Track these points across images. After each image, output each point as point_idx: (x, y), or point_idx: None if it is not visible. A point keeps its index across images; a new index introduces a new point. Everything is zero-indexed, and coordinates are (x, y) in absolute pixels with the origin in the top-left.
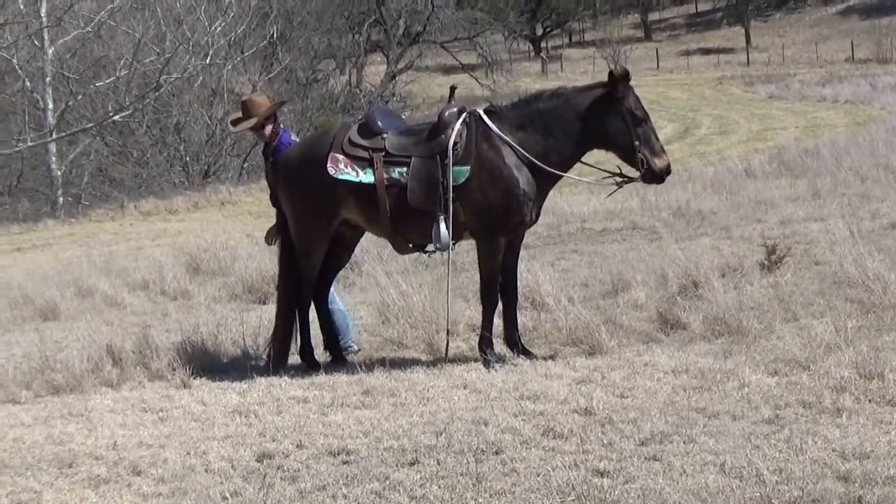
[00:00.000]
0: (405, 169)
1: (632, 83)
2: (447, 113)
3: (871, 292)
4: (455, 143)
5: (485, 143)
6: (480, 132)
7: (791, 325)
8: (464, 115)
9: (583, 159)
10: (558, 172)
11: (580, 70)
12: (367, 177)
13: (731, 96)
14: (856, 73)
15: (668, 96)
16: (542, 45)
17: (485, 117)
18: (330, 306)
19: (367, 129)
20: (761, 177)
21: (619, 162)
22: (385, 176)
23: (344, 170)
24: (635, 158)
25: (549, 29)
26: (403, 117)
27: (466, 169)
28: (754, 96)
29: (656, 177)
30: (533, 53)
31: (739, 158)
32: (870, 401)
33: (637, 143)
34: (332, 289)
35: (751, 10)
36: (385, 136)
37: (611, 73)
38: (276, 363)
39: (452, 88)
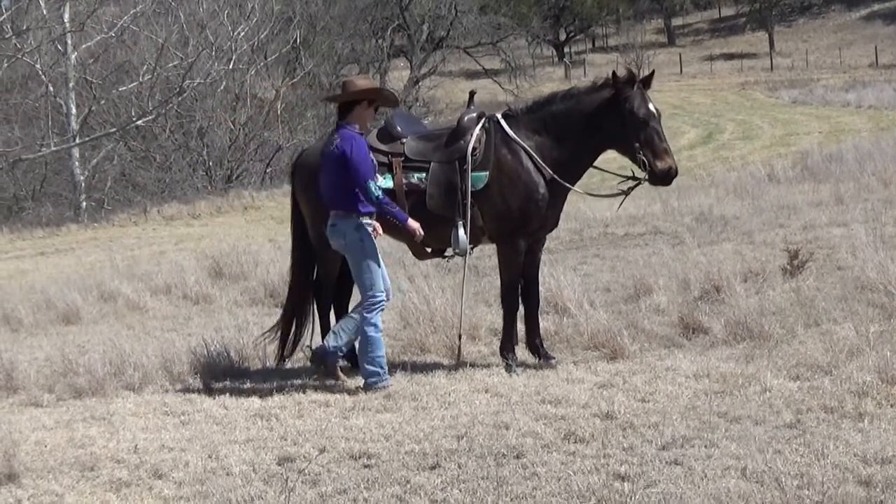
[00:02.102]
0: (424, 174)
1: (637, 87)
2: (466, 118)
3: (894, 297)
4: (474, 149)
5: (504, 149)
6: (499, 137)
7: (813, 329)
8: (483, 120)
9: (604, 166)
10: (569, 186)
11: (603, 75)
12: (386, 182)
13: (755, 101)
14: (879, 79)
15: (691, 101)
16: (566, 50)
17: (503, 122)
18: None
19: (387, 134)
20: (784, 182)
21: (634, 165)
22: (404, 181)
23: None
24: (637, 160)
25: (572, 34)
26: (425, 122)
27: (485, 175)
28: (778, 101)
29: (659, 179)
30: (556, 58)
31: (762, 163)
32: (892, 405)
33: (637, 144)
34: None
35: (774, 15)
36: (404, 140)
37: (613, 74)
38: (277, 362)
39: (471, 93)
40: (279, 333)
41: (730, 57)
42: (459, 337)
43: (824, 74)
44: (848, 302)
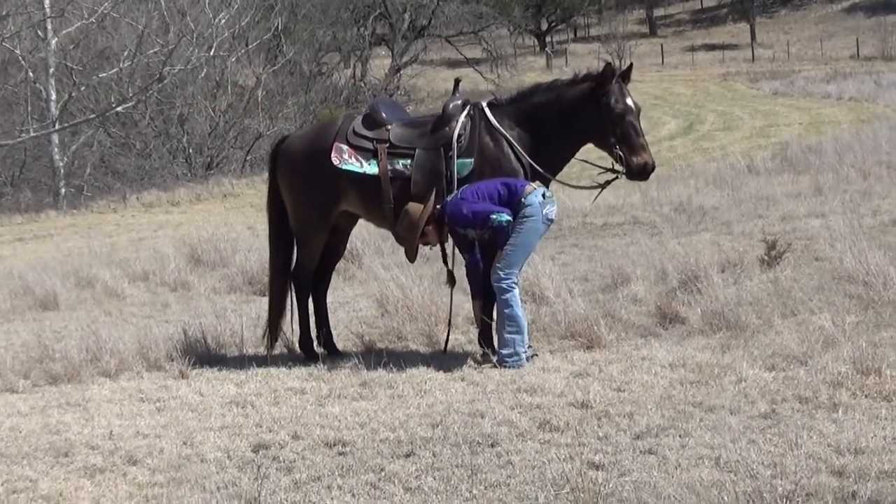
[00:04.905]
0: (409, 161)
1: (616, 82)
2: (451, 105)
3: (871, 288)
4: (459, 136)
5: (487, 136)
6: (483, 125)
7: (789, 320)
8: (468, 107)
9: (587, 158)
10: (548, 175)
11: (585, 65)
12: (370, 168)
13: (736, 92)
14: (860, 71)
15: (672, 92)
16: (547, 39)
17: (487, 111)
18: (512, 310)
19: (372, 121)
20: (764, 173)
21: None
22: (389, 167)
23: (348, 160)
24: (614, 155)
25: (554, 24)
26: (408, 110)
27: (470, 161)
28: (759, 93)
29: (635, 174)
30: (538, 48)
31: (742, 154)
32: (866, 396)
33: (613, 139)
34: (517, 291)
35: (756, 6)
36: (389, 127)
37: (606, 67)
38: (267, 349)
39: (457, 81)
40: (269, 320)
41: (711, 48)
42: (449, 323)
43: (805, 66)
44: (825, 292)
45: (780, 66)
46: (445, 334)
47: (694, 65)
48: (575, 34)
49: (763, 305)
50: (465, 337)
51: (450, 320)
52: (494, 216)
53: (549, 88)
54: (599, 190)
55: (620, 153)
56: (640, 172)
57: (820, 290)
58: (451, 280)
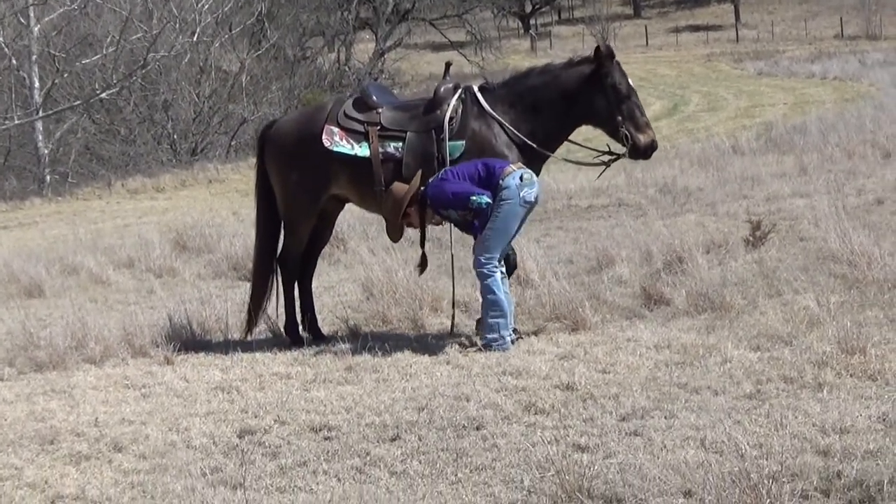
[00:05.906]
0: (400, 143)
1: (617, 59)
2: (443, 88)
3: (855, 267)
4: (451, 119)
5: (478, 120)
6: (475, 109)
7: (774, 300)
8: (459, 90)
9: (573, 138)
10: (546, 152)
11: (569, 47)
12: (362, 150)
13: (720, 73)
14: (845, 50)
15: (656, 73)
16: (531, 22)
17: (479, 94)
18: (495, 295)
19: (362, 104)
20: (748, 153)
21: (608, 139)
22: (380, 150)
23: (339, 142)
24: (619, 134)
25: (538, 6)
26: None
27: (461, 143)
28: (743, 73)
29: (641, 153)
30: (522, 31)
31: (727, 135)
32: (851, 375)
33: (620, 118)
34: (498, 276)
35: None
36: (380, 110)
37: (597, 49)
38: (245, 334)
39: (447, 64)
40: (249, 306)
41: (695, 29)
42: (454, 304)
43: (790, 46)
44: (809, 272)
45: (765, 47)
46: (451, 315)
47: (678, 46)
48: (559, 16)
49: (748, 286)
50: (450, 320)
51: (454, 301)
52: (474, 198)
53: (544, 72)
54: (604, 168)
55: (627, 132)
56: (647, 150)
57: (804, 270)
58: (423, 264)
